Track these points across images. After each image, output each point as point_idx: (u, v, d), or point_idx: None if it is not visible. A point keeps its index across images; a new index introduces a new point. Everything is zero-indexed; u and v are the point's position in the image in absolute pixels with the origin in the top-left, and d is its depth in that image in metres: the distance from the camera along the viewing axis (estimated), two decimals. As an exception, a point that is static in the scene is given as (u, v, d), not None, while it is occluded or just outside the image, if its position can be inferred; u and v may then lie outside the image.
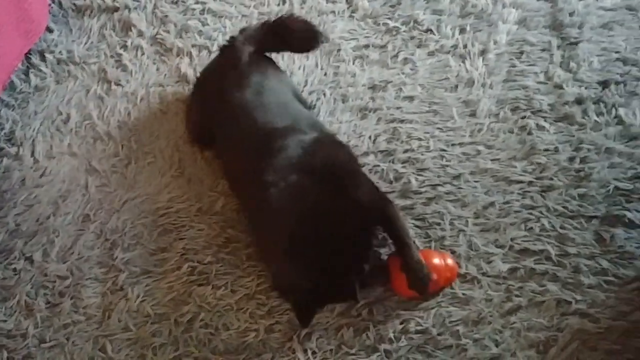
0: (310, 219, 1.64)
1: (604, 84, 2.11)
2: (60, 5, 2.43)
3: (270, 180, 1.70)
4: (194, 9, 2.39)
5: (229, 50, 2.04)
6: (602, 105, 2.07)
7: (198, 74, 2.16)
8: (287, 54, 2.25)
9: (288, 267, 1.64)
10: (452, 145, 2.05)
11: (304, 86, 2.19)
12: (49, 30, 2.36)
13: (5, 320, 1.82)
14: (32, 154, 2.11)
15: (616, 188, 1.92)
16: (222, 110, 1.93)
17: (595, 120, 2.04)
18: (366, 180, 1.84)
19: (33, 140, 2.14)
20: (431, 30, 2.28)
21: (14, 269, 1.90)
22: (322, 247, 1.61)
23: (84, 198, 2.02)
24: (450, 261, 1.79)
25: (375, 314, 1.78)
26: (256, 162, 1.76)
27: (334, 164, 1.78)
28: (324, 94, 2.17)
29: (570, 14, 2.27)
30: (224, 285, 1.84)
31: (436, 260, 1.76)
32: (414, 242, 1.79)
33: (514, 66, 2.18)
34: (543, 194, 1.93)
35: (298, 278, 1.62)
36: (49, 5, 2.38)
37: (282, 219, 1.67)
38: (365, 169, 1.99)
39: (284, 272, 1.67)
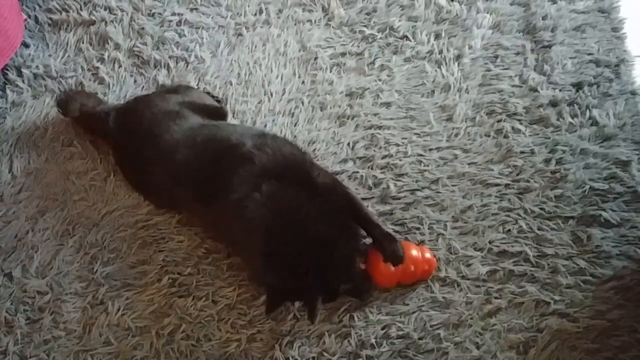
0: (281, 224, 1.66)
1: (578, 86, 2.14)
2: (36, 20, 2.42)
3: (238, 197, 1.69)
4: (170, 21, 2.39)
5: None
6: (576, 107, 2.10)
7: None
8: (264, 62, 2.26)
9: (263, 267, 1.66)
10: (430, 150, 2.06)
11: (282, 95, 2.20)
12: (25, 45, 2.35)
13: (-15, 338, 1.81)
14: (10, 170, 2.10)
15: (592, 188, 1.95)
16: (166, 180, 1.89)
17: (570, 122, 2.07)
18: (319, 167, 1.87)
19: (10, 156, 2.12)
20: (407, 37, 2.30)
21: (-7, 286, 1.89)
22: (293, 251, 1.64)
23: (63, 213, 2.01)
24: (428, 255, 1.81)
25: (357, 320, 1.79)
26: (217, 193, 1.75)
27: (287, 161, 1.79)
28: (302, 102, 2.18)
29: (543, 18, 2.30)
30: (204, 296, 1.85)
31: (414, 252, 1.78)
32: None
33: (489, 70, 2.21)
34: (520, 196, 1.96)
35: (271, 276, 1.65)
36: (25, 20, 2.37)
37: (256, 226, 1.68)
38: (344, 176, 2.01)
39: (260, 271, 1.69)
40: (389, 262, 1.72)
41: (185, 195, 1.83)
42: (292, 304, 1.80)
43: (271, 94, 2.21)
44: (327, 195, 1.74)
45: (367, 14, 2.37)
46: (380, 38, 2.31)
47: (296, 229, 1.65)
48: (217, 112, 2.06)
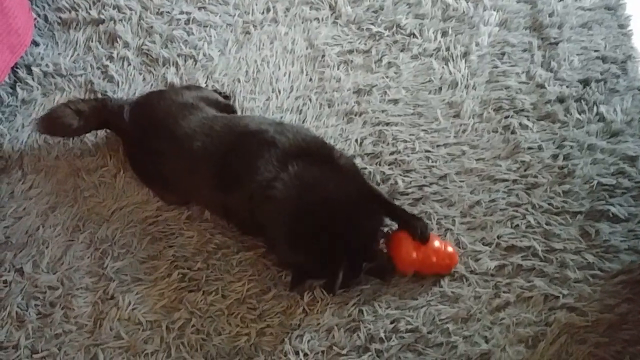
0: (307, 203, 1.72)
1: (585, 82, 2.15)
2: (45, 19, 2.44)
3: (265, 179, 1.74)
4: (178, 19, 2.40)
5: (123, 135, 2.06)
6: (583, 103, 2.11)
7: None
8: (272, 60, 2.28)
9: (288, 245, 1.73)
10: (438, 146, 2.07)
11: (290, 92, 2.21)
12: (35, 43, 2.37)
13: (-3, 332, 1.83)
14: (21, 167, 2.11)
15: (599, 184, 1.95)
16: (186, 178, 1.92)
17: (577, 118, 2.08)
18: (337, 149, 1.92)
19: (21, 153, 2.14)
20: (414, 34, 2.31)
21: (5, 281, 1.90)
22: (318, 229, 1.69)
23: (73, 209, 2.02)
24: (450, 249, 1.83)
25: (366, 314, 1.79)
26: (240, 178, 1.79)
27: (308, 144, 1.85)
28: (310, 100, 2.19)
29: (550, 15, 2.31)
30: (214, 290, 1.86)
31: (437, 243, 1.80)
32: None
33: (496, 67, 2.22)
34: (528, 191, 1.96)
35: (296, 254, 1.72)
36: (35, 19, 2.39)
37: (283, 206, 1.72)
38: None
39: (285, 249, 1.75)
40: (417, 239, 1.75)
41: (203, 184, 1.84)
42: (316, 279, 1.82)
43: (279, 91, 2.22)
44: (350, 175, 1.81)
45: (374, 11, 2.39)
46: (388, 36, 2.32)
47: (321, 208, 1.70)
48: (227, 109, 2.08)
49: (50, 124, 2.02)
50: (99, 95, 2.24)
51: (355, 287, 1.82)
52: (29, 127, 2.19)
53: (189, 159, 1.84)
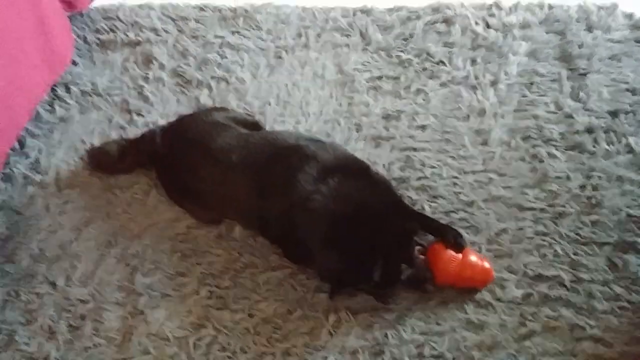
0: (346, 214, 1.77)
1: (614, 114, 2.16)
2: (85, 40, 2.52)
3: (307, 191, 1.79)
4: (213, 43, 2.47)
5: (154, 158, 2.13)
6: (612, 134, 2.12)
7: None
8: (302, 84, 2.32)
9: (327, 253, 1.77)
10: (465, 173, 2.09)
11: (319, 116, 2.25)
12: (74, 63, 2.45)
13: (28, 343, 1.85)
14: (56, 182, 2.17)
15: (628, 215, 1.95)
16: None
17: (606, 149, 2.09)
18: (375, 170, 1.97)
19: (57, 169, 2.20)
20: (443, 62, 2.35)
21: (37, 293, 1.94)
22: (357, 238, 1.74)
23: (106, 224, 2.07)
24: (487, 264, 1.83)
25: (391, 338, 1.79)
26: (279, 189, 1.84)
27: (347, 160, 1.93)
28: (339, 124, 2.23)
29: (579, 46, 2.33)
30: (241, 309, 1.87)
31: (473, 258, 1.81)
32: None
33: (524, 96, 2.24)
34: (555, 220, 1.96)
35: (332, 261, 1.76)
36: (74, 40, 2.47)
37: (322, 217, 1.77)
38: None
39: (324, 257, 1.79)
40: (451, 246, 1.78)
41: (240, 196, 1.90)
42: (354, 288, 1.84)
43: (308, 115, 2.27)
44: (384, 186, 1.89)
45: (404, 39, 2.43)
46: (417, 63, 2.36)
47: (358, 214, 1.76)
48: (255, 127, 2.14)
49: (99, 160, 2.16)
50: (134, 116, 2.30)
51: (394, 299, 1.84)
52: (66, 143, 2.25)
53: (227, 172, 1.90)
